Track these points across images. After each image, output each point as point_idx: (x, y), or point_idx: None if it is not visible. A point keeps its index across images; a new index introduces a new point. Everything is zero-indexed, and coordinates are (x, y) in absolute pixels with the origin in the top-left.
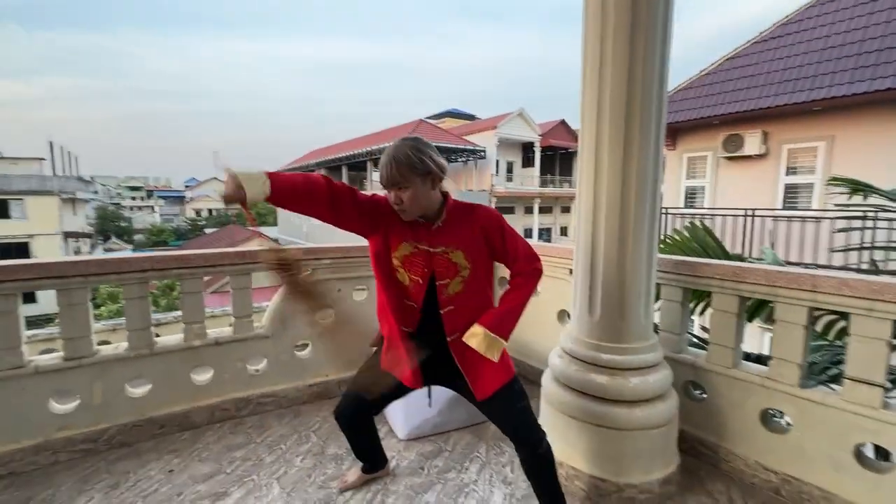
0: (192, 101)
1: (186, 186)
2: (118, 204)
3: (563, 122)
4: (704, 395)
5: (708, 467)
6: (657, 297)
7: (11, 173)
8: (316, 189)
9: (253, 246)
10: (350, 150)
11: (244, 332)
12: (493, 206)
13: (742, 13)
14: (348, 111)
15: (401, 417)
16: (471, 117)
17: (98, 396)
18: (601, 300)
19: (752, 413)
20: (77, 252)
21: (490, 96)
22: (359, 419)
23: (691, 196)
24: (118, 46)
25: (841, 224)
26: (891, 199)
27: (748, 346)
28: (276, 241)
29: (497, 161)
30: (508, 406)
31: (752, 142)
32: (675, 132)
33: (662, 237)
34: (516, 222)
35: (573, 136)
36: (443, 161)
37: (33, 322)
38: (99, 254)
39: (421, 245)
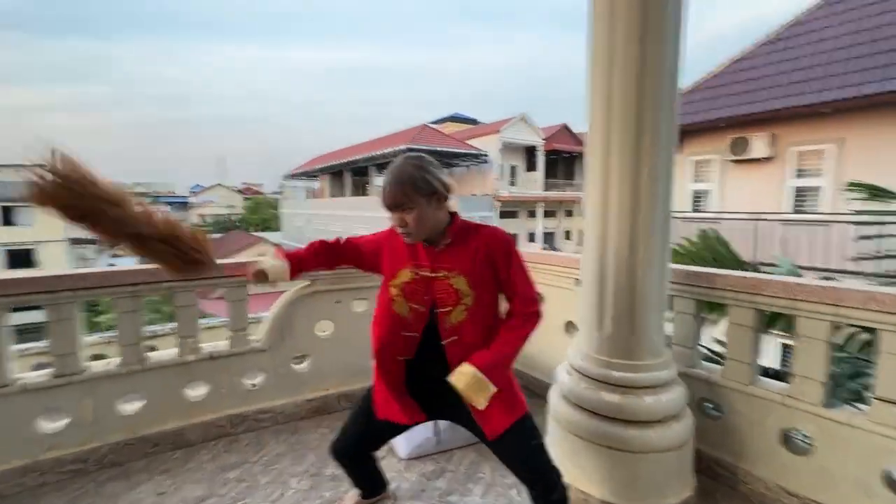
0: (198, 108)
1: (192, 192)
2: None
3: (565, 126)
4: (721, 414)
5: (725, 489)
6: (669, 308)
7: (16, 180)
8: (318, 256)
9: (255, 251)
10: (353, 156)
11: (240, 346)
12: (496, 210)
13: (745, 15)
14: (351, 114)
15: (402, 437)
16: (473, 121)
17: (88, 414)
18: (611, 314)
19: (771, 433)
20: (83, 258)
21: (491, 100)
22: (357, 456)
23: (698, 200)
24: (122, 53)
25: (855, 229)
26: None
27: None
28: (277, 245)
29: (501, 165)
30: (521, 445)
31: (759, 144)
32: (682, 135)
33: (672, 245)
34: (520, 227)
35: (576, 139)
36: (448, 179)
37: (32, 330)
38: (104, 260)
39: (422, 270)
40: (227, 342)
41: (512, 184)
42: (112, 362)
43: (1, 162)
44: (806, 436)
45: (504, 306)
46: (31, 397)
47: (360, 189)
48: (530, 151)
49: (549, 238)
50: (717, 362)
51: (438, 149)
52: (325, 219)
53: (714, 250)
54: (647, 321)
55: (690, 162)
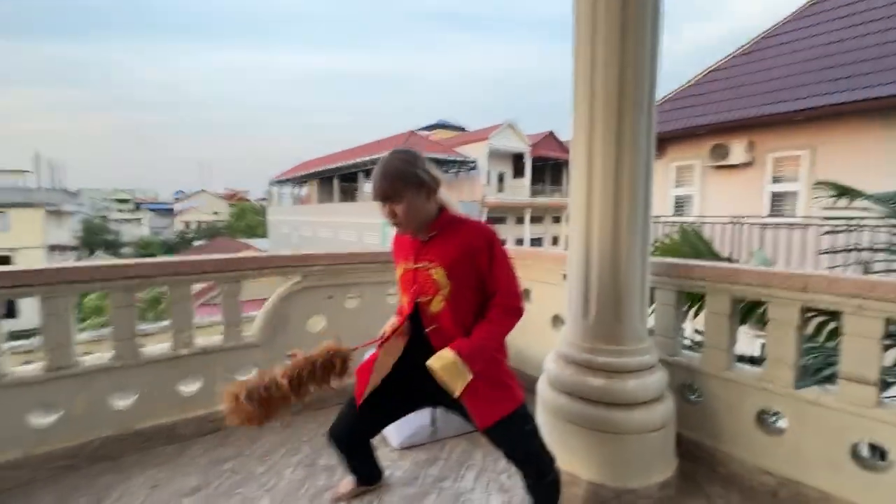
0: (179, 112)
1: (175, 199)
2: (105, 217)
3: (551, 134)
4: (700, 399)
5: (705, 470)
6: (651, 301)
7: None
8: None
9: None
10: (341, 162)
11: (234, 341)
12: (484, 216)
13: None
14: (338, 120)
15: (395, 426)
16: (461, 129)
17: (81, 408)
18: (596, 302)
19: (747, 415)
20: None
21: (478, 108)
22: (354, 441)
23: (680, 204)
24: (104, 57)
25: (828, 229)
26: (874, 203)
27: (741, 351)
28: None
29: (489, 172)
30: (514, 431)
31: (737, 151)
32: (663, 142)
33: (653, 242)
34: (508, 232)
35: (562, 147)
36: (437, 172)
37: (14, 336)
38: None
39: (410, 263)
40: (220, 337)
41: (500, 190)
42: (105, 356)
43: None
44: (779, 416)
45: None
46: (23, 391)
47: (349, 195)
48: (518, 158)
49: (536, 243)
50: (698, 352)
51: (426, 156)
52: (314, 225)
53: (693, 245)
54: (631, 309)
55: (672, 168)
